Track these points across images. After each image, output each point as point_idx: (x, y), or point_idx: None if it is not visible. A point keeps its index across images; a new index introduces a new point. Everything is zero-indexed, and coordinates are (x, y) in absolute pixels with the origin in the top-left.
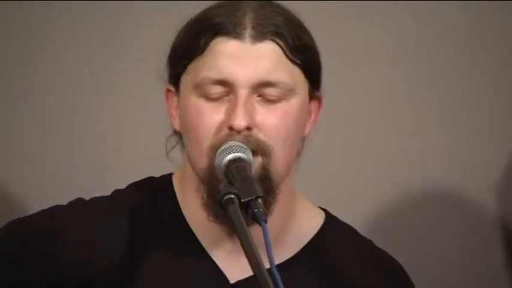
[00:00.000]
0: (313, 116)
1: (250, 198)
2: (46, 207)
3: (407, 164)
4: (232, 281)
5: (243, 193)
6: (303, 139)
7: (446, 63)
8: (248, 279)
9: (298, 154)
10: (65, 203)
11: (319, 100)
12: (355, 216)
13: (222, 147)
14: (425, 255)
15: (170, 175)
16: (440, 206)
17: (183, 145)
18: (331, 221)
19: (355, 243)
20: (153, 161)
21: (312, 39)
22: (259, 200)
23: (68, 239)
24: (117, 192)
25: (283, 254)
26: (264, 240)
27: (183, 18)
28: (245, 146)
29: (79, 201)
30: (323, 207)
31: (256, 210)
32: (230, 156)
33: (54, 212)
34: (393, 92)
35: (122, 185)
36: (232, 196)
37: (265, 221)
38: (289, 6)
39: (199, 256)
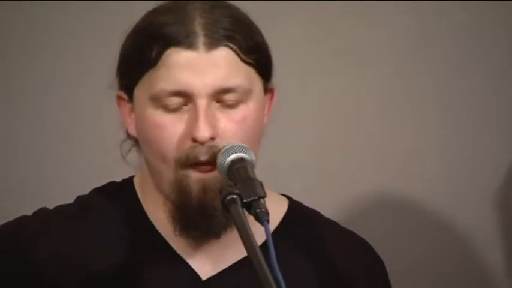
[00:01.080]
0: (267, 108)
1: (252, 198)
2: (47, 207)
3: (408, 164)
4: (204, 277)
5: (245, 193)
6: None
7: (447, 63)
8: (219, 274)
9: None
10: (64, 203)
11: (271, 91)
12: (355, 216)
13: (225, 148)
14: (425, 256)
15: (131, 178)
16: (441, 207)
17: (139, 149)
18: (294, 207)
19: (320, 225)
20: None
21: (261, 35)
22: (262, 201)
23: (38, 248)
24: (80, 198)
25: None
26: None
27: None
28: (247, 146)
29: (44, 209)
30: (325, 205)
31: (258, 210)
32: (233, 157)
33: (20, 222)
34: (394, 92)
35: None
36: (234, 196)
37: (268, 221)
38: (291, 6)
39: (171, 259)
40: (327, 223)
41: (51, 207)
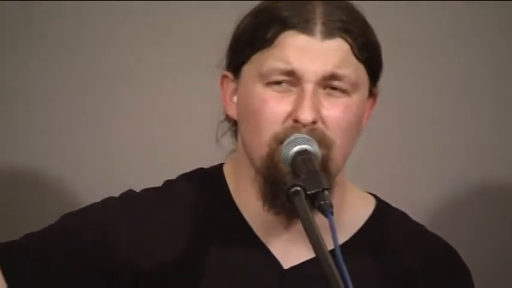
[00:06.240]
0: (367, 112)
1: (316, 190)
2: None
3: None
4: (286, 266)
5: (310, 185)
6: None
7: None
8: (302, 265)
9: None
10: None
11: (374, 96)
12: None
13: (289, 139)
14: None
15: (221, 165)
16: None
17: (234, 133)
18: (381, 207)
19: (406, 227)
20: (203, 153)
21: (375, 37)
22: (326, 192)
23: (120, 230)
24: (168, 182)
25: None
26: (330, 231)
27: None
28: (311, 139)
29: (131, 192)
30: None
31: (322, 202)
32: (296, 148)
33: (106, 203)
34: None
35: (167, 177)
36: (298, 188)
37: (332, 213)
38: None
39: (253, 244)
40: (412, 225)
41: (102, 199)
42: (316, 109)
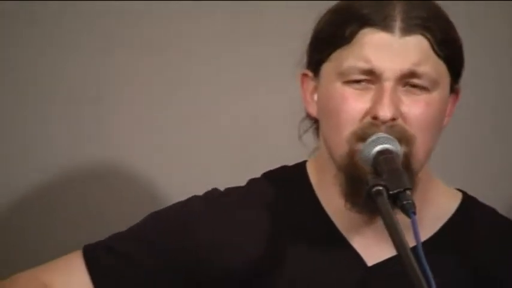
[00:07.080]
0: (449, 108)
1: (399, 190)
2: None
3: None
4: (369, 264)
5: (392, 185)
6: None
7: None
8: (386, 262)
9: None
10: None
11: (456, 92)
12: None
13: (370, 139)
14: None
15: (304, 162)
16: None
17: (316, 130)
18: (468, 202)
19: (494, 223)
20: (288, 151)
21: (457, 33)
22: (408, 192)
23: (203, 230)
24: (252, 181)
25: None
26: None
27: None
28: (393, 138)
29: (215, 191)
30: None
31: (405, 202)
32: (378, 148)
33: (190, 203)
34: None
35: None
36: (380, 188)
37: (414, 213)
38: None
39: (336, 240)
40: (501, 221)
41: (187, 198)
42: (396, 106)
